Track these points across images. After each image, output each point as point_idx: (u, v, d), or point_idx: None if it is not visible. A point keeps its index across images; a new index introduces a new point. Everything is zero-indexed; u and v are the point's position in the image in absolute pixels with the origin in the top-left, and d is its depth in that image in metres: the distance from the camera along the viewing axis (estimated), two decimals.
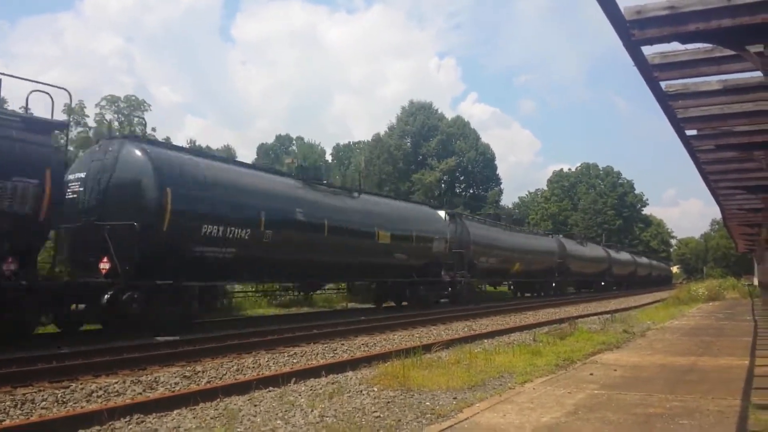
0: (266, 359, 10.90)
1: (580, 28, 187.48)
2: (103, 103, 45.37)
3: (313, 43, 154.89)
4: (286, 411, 6.87)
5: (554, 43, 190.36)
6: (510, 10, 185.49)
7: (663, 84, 7.19)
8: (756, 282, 35.73)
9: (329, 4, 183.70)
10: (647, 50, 6.18)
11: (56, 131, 13.50)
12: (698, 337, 13.71)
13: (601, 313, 23.26)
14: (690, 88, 7.50)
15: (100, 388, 8.13)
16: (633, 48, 5.84)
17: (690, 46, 6.18)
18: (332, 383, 8.63)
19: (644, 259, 73.90)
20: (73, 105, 41.67)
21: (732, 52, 6.01)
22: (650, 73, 6.57)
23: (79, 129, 35.55)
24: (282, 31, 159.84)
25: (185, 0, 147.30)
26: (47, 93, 12.35)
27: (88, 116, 42.18)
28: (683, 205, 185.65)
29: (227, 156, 31.02)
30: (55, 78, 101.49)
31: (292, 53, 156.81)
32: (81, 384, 8.48)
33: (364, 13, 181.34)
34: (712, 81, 7.34)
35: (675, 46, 6.07)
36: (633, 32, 5.43)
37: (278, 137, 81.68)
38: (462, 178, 64.25)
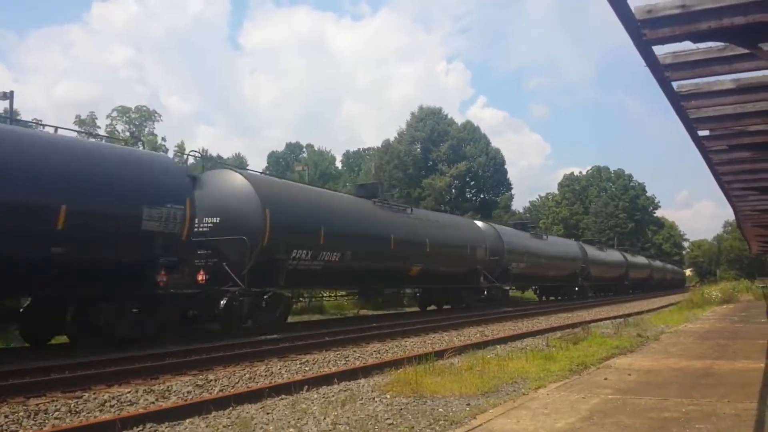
0: (278, 367, 10.88)
1: (589, 27, 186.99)
2: (114, 114, 45.70)
3: (320, 50, 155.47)
4: (298, 419, 6.83)
5: (562, 43, 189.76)
6: (517, 10, 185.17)
7: (675, 84, 7.10)
8: None
9: (336, 11, 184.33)
10: (658, 50, 6.10)
11: None
12: (713, 341, 13.57)
13: (614, 317, 23.05)
14: (702, 87, 7.40)
15: (113, 398, 8.13)
16: (644, 48, 5.77)
17: (702, 45, 6.10)
18: (345, 390, 8.58)
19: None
20: (83, 117, 42.21)
21: (745, 51, 5.92)
22: (662, 73, 6.49)
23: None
24: (289, 38, 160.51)
25: (192, 9, 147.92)
26: None
27: (99, 127, 42.49)
28: (696, 206, 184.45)
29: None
30: (67, 89, 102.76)
31: (300, 60, 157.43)
32: (94, 394, 8.49)
33: (371, 18, 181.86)
34: (725, 80, 7.23)
35: (687, 45, 5.98)
36: (644, 32, 5.36)
37: (288, 145, 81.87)
38: (472, 183, 63.99)
